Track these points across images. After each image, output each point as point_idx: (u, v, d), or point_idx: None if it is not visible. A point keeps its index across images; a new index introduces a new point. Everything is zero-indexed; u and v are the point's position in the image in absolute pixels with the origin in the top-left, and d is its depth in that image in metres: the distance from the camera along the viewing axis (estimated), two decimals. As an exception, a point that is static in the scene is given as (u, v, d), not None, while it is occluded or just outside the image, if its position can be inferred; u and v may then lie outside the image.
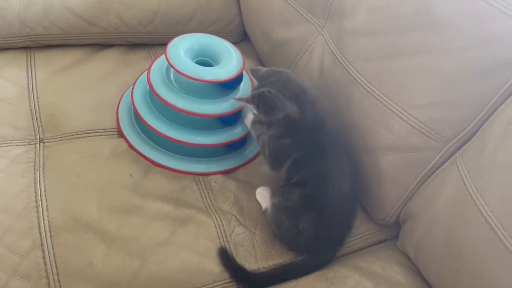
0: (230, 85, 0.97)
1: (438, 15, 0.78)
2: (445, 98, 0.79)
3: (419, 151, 0.83)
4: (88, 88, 1.07)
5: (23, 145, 0.94)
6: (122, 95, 1.06)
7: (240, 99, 0.87)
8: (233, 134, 0.98)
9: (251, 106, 0.86)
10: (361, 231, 0.93)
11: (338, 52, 0.94)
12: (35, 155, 0.92)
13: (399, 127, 0.83)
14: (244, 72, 0.99)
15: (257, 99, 0.85)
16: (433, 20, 0.79)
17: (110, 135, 0.99)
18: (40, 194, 0.85)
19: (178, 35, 0.99)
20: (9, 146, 0.93)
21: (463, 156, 0.77)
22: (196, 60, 0.97)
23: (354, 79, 0.89)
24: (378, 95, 0.85)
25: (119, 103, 1.04)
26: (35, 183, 0.86)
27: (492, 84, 0.75)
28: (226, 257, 0.83)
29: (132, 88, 1.02)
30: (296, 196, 0.84)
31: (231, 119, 0.97)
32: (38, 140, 0.95)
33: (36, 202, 0.84)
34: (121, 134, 0.99)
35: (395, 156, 0.85)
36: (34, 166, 0.89)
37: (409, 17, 0.82)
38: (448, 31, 0.78)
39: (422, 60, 0.80)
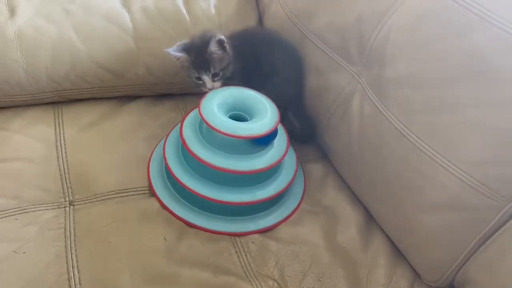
0: (265, 140, 0.92)
1: (492, 66, 0.73)
2: (502, 154, 0.73)
3: (475, 210, 0.76)
4: (117, 144, 1.04)
5: (53, 208, 0.90)
6: (153, 151, 1.02)
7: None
8: (269, 190, 0.93)
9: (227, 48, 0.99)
10: (413, 294, 0.86)
11: (379, 102, 0.89)
12: (65, 220, 0.88)
13: (451, 184, 0.77)
14: (279, 125, 0.95)
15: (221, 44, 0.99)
16: (485, 72, 0.74)
17: (141, 194, 0.95)
18: (72, 264, 0.81)
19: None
20: (38, 210, 0.89)
21: (529, 218, 0.71)
22: (230, 114, 0.93)
23: (400, 132, 0.84)
24: (427, 149, 0.80)
25: (149, 159, 1.01)
26: (66, 253, 0.82)
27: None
28: None
29: (164, 144, 0.98)
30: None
31: (267, 174, 0.93)
32: (68, 202, 0.92)
33: (68, 274, 0.79)
34: (153, 193, 0.95)
35: (448, 214, 0.79)
36: (65, 234, 0.85)
37: (458, 68, 0.77)
38: (502, 84, 0.73)
39: (474, 114, 0.75)
